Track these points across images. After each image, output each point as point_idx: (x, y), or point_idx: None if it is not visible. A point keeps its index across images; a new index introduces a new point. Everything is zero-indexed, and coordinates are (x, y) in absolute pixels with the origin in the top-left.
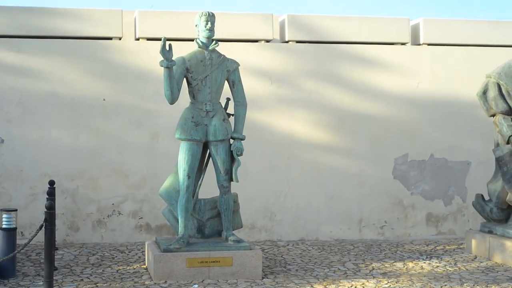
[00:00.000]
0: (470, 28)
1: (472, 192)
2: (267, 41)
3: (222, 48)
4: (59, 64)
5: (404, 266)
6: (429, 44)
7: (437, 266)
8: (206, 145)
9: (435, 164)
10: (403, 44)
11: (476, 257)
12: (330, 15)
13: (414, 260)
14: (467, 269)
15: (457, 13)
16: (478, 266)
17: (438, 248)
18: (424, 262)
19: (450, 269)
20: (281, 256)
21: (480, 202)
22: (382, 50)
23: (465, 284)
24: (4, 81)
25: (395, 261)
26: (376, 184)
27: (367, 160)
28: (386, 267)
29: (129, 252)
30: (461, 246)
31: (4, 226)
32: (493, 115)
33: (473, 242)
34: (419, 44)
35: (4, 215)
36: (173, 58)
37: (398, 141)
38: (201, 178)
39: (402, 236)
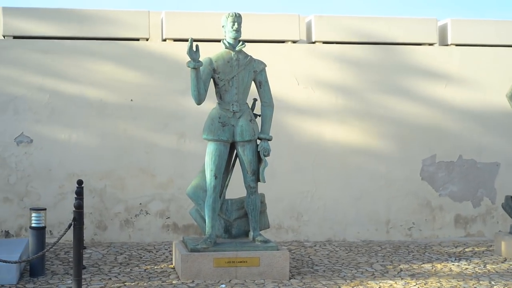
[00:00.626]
0: (498, 28)
1: (501, 193)
2: (294, 41)
3: (248, 49)
4: (87, 65)
5: (432, 267)
6: (457, 45)
7: (466, 268)
8: (233, 146)
9: (463, 166)
10: (430, 44)
11: (505, 259)
12: (357, 16)
13: (442, 261)
14: (496, 271)
15: (485, 13)
16: (508, 268)
17: (467, 250)
18: (453, 264)
19: (479, 271)
20: (308, 257)
21: (509, 204)
22: (409, 51)
23: (494, 286)
24: (32, 82)
25: (423, 263)
26: (404, 185)
27: (395, 161)
28: (414, 268)
29: (156, 251)
30: (490, 248)
31: (33, 225)
32: None
33: (503, 244)
34: (447, 45)
35: (34, 214)
36: (200, 59)
37: (426, 142)
38: (228, 178)
39: (430, 238)
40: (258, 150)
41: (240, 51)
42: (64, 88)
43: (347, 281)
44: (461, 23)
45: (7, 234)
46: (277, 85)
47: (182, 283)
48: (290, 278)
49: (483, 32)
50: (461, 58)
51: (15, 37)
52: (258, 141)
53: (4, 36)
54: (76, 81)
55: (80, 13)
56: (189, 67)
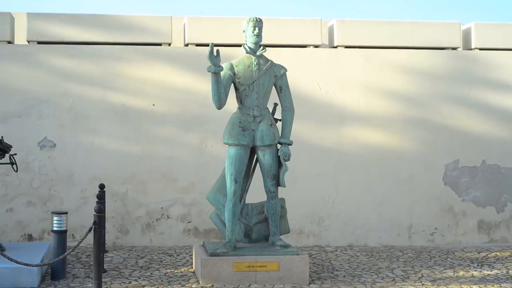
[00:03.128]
0: None
1: None
2: (316, 46)
3: (270, 54)
4: (110, 70)
5: (454, 273)
6: (480, 49)
7: (489, 274)
8: (253, 150)
9: (487, 171)
10: (454, 49)
11: None
12: (380, 20)
13: (464, 267)
14: None
15: (509, 17)
16: None
17: (490, 256)
18: (475, 270)
19: (502, 277)
20: (329, 262)
21: None
22: (433, 55)
23: None
24: (56, 87)
25: (445, 269)
26: (426, 190)
27: (417, 166)
28: (435, 274)
29: (177, 255)
30: None
31: (55, 229)
32: None
33: None
34: (471, 49)
35: (55, 218)
36: (220, 64)
37: (449, 147)
38: (249, 183)
39: (452, 243)
40: (279, 154)
41: (261, 55)
42: (87, 93)
43: (367, 286)
44: (485, 27)
45: (30, 237)
46: (299, 89)
47: (202, 287)
48: (309, 283)
49: (507, 36)
50: (485, 62)
51: (39, 42)
52: (279, 146)
53: (28, 42)
54: (99, 85)
55: (104, 18)
56: (209, 71)
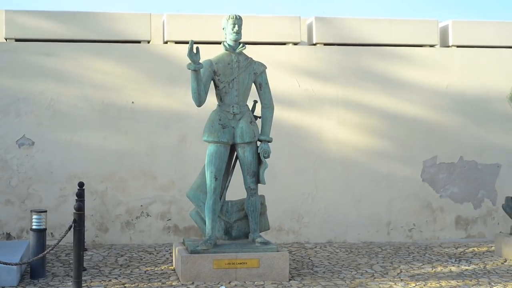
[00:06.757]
0: (500, 29)
1: (502, 195)
2: (295, 43)
3: (249, 51)
4: (89, 67)
5: (432, 269)
6: (458, 46)
7: (466, 270)
8: (233, 147)
9: (464, 167)
10: (432, 46)
11: (506, 260)
12: (358, 17)
13: (442, 263)
14: (496, 273)
15: (486, 14)
16: (507, 269)
17: (467, 251)
18: (453, 265)
19: (479, 272)
20: (309, 258)
21: (510, 205)
22: (411, 52)
23: (494, 287)
24: (34, 84)
25: (424, 264)
26: (405, 186)
27: (396, 162)
28: (414, 270)
29: (157, 253)
30: (491, 249)
31: (34, 227)
32: None
33: (503, 245)
34: (448, 46)
35: (34, 216)
36: (200, 61)
37: (427, 144)
38: (229, 180)
39: (430, 239)
40: (258, 152)
41: (241, 53)
42: (65, 91)
43: (347, 282)
44: (462, 25)
45: (8, 236)
46: (278, 87)
47: (182, 284)
48: (289, 280)
49: (484, 34)
50: (462, 60)
51: (17, 40)
52: (259, 143)
53: (6, 39)
54: (78, 83)
55: (82, 15)
56: (189, 69)
